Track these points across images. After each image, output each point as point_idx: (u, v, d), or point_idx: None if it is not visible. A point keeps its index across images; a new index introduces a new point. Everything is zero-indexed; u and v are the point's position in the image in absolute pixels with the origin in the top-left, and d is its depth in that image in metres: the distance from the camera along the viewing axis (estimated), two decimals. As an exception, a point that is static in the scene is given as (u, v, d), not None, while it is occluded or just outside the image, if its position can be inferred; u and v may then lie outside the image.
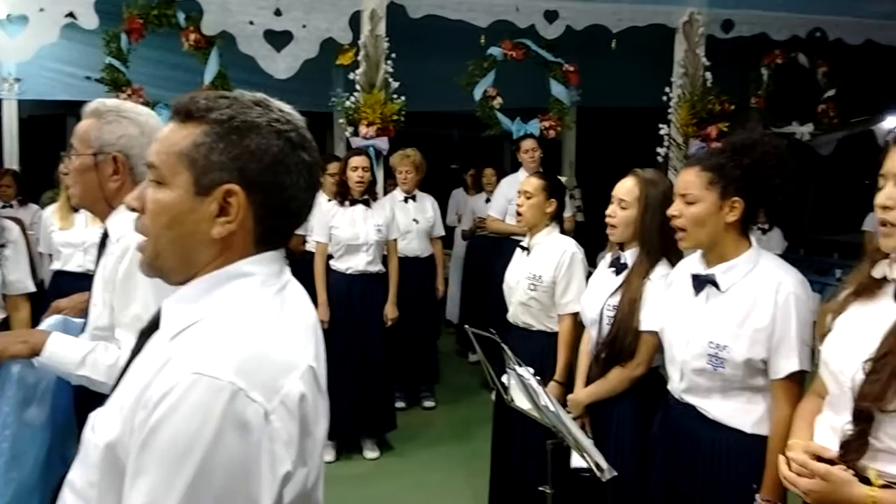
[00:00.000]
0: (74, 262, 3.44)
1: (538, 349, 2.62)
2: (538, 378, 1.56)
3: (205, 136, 0.88)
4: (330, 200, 3.80)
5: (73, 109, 6.42)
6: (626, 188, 2.14)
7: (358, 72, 4.32)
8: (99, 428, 0.85)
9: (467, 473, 3.43)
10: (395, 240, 3.94)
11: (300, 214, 0.94)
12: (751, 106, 5.26)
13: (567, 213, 4.52)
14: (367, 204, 3.75)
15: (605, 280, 2.22)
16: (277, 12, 4.29)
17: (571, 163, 7.14)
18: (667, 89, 4.92)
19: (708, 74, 4.83)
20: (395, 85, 4.35)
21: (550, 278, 2.56)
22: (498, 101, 4.78)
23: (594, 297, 2.23)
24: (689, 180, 1.71)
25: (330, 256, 3.73)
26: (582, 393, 2.24)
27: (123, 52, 4.21)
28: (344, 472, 3.58)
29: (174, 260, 0.90)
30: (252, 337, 0.84)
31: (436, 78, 5.06)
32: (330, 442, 3.70)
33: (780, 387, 1.59)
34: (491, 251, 4.61)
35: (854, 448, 1.23)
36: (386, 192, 4.52)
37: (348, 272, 3.71)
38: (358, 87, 4.31)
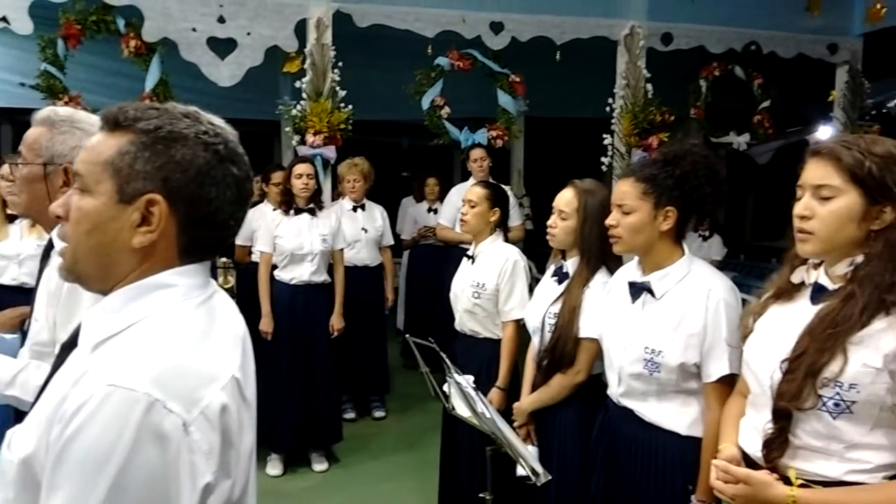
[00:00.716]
0: (8, 275, 3.31)
1: (485, 356, 2.65)
2: (475, 386, 1.57)
3: (130, 144, 0.87)
4: (275, 209, 3.76)
5: (6, 117, 6.21)
6: (566, 199, 2.19)
7: (304, 80, 4.29)
8: (15, 445, 0.83)
9: (417, 483, 3.42)
10: (342, 249, 3.90)
11: (227, 227, 0.94)
12: (690, 117, 5.42)
13: (516, 222, 4.60)
14: (312, 213, 3.71)
15: (548, 289, 2.26)
16: (221, 19, 4.23)
17: (520, 172, 7.23)
18: (610, 100, 5.03)
19: (649, 86, 4.96)
20: (343, 94, 4.33)
21: (493, 286, 2.60)
22: (446, 111, 4.81)
23: (537, 305, 2.28)
24: (624, 190, 1.77)
25: (274, 266, 3.67)
26: (525, 401, 2.27)
27: (60, 58, 4.09)
28: (292, 486, 3.53)
29: (93, 268, 0.90)
30: (171, 348, 0.83)
31: (384, 87, 5.07)
32: (277, 456, 3.64)
33: (712, 389, 1.65)
34: (437, 259, 4.63)
35: (775, 447, 1.28)
36: (334, 201, 4.50)
37: (293, 282, 3.65)
38: (304, 95, 4.28)
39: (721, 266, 6.14)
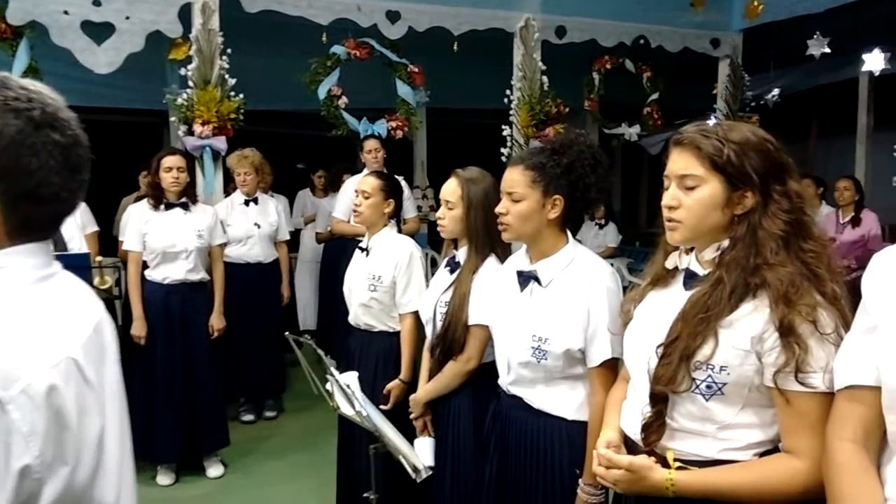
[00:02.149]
0: None
1: (381, 350, 2.61)
2: (348, 384, 1.52)
3: None
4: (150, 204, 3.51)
5: None
6: (450, 189, 2.19)
7: (190, 67, 4.08)
8: None
9: (316, 483, 3.34)
10: (221, 245, 3.69)
11: (57, 200, 0.88)
12: (584, 108, 5.56)
13: (410, 214, 4.57)
14: (185, 207, 3.47)
15: (441, 279, 2.25)
16: (96, 2, 3.95)
17: (423, 163, 7.22)
18: (508, 92, 5.08)
19: (545, 78, 5.05)
20: (232, 82, 4.14)
21: (390, 278, 2.56)
22: (343, 101, 4.71)
23: (430, 296, 2.27)
24: (513, 178, 1.77)
25: (146, 266, 3.44)
26: (421, 392, 2.26)
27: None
28: (185, 494, 3.37)
29: None
30: None
31: (278, 76, 4.91)
32: (166, 465, 3.46)
33: (596, 374, 1.68)
34: (344, 253, 4.53)
35: (653, 430, 1.31)
36: (227, 195, 4.31)
37: (166, 282, 3.42)
38: (191, 83, 4.07)
39: (617, 252, 6.39)
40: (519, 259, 1.86)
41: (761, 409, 1.26)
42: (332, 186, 5.71)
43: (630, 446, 1.38)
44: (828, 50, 5.26)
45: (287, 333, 1.77)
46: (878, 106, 6.33)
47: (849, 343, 1.13)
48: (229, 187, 4.45)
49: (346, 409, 1.53)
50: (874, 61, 5.63)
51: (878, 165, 5.78)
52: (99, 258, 3.17)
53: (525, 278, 1.78)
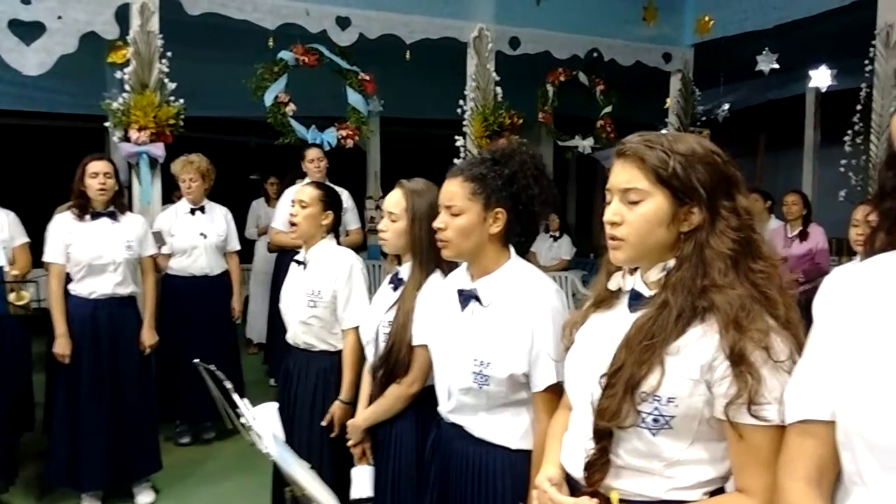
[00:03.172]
0: None
1: (322, 369, 2.49)
2: (253, 420, 1.39)
3: None
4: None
5: None
6: (394, 201, 2.08)
7: (127, 70, 3.89)
8: None
9: (252, 509, 3.16)
10: (151, 256, 3.49)
11: None
12: (538, 120, 5.53)
13: (353, 226, 4.44)
14: (113, 217, 3.25)
15: (384, 297, 2.13)
16: (26, 0, 3.74)
17: (376, 173, 7.10)
18: (461, 102, 5.01)
19: (498, 89, 4.99)
20: (172, 86, 3.96)
21: (330, 293, 2.43)
22: (291, 108, 4.57)
23: (372, 314, 2.14)
24: (452, 191, 1.65)
25: (69, 279, 3.21)
26: (360, 417, 2.13)
27: None
28: (112, 523, 3.16)
29: None
30: None
31: (223, 81, 4.75)
32: (91, 492, 3.23)
33: (541, 399, 1.57)
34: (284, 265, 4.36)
35: (597, 468, 1.20)
36: (168, 203, 4.12)
37: (92, 297, 3.18)
38: (128, 87, 3.87)
39: (571, 265, 6.36)
40: (459, 276, 1.75)
41: (712, 443, 1.16)
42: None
43: (572, 485, 1.28)
44: (776, 66, 5.34)
45: (196, 361, 1.63)
46: (824, 121, 6.48)
47: (800, 373, 1.04)
48: (174, 195, 4.25)
49: (260, 445, 1.40)
50: (821, 77, 5.75)
51: (824, 180, 5.89)
52: (15, 272, 2.95)
53: (465, 297, 1.66)
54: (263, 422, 1.42)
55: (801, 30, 4.95)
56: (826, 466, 0.98)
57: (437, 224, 1.67)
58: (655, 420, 1.14)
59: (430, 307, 1.92)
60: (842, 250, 5.45)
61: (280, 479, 2.50)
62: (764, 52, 5.34)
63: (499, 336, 1.58)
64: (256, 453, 3.71)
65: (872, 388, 0.90)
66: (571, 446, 1.30)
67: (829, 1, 4.60)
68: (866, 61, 4.44)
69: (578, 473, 1.25)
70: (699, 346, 1.14)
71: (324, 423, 2.38)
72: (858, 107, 4.51)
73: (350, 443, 2.15)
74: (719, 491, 1.18)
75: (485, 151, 1.77)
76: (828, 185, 5.33)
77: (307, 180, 4.35)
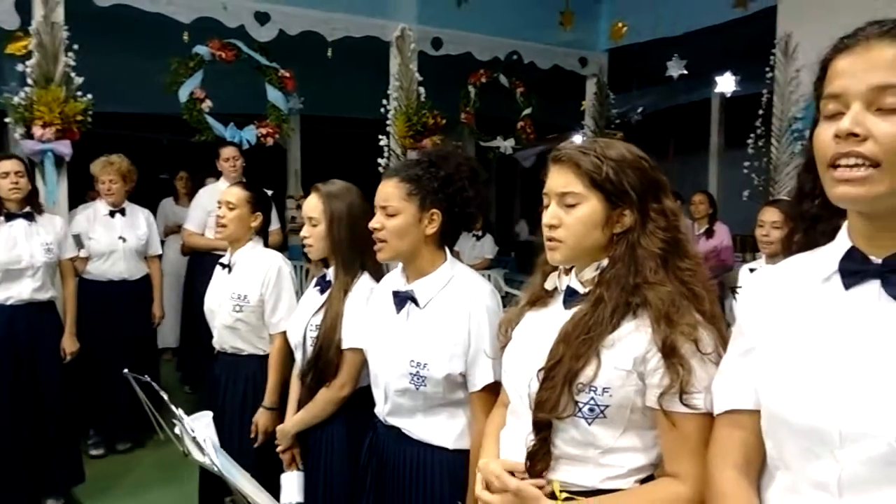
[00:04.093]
0: None
1: (250, 374, 2.43)
2: (193, 430, 1.35)
3: None
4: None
5: None
6: (312, 205, 2.07)
7: (30, 63, 3.64)
8: None
9: (177, 521, 3.05)
10: (71, 259, 3.32)
11: None
12: (461, 121, 5.58)
13: (273, 227, 4.35)
14: (29, 218, 3.08)
15: (311, 300, 2.10)
16: (-88, -15, 3.46)
17: (297, 172, 6.98)
18: (384, 101, 4.99)
19: (421, 89, 5.00)
20: (80, 80, 3.75)
21: (257, 296, 2.38)
22: (207, 105, 4.42)
23: (299, 318, 2.11)
24: (388, 192, 1.65)
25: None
26: (289, 422, 2.09)
27: None
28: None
29: None
30: None
31: (134, 76, 4.53)
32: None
33: (478, 399, 1.59)
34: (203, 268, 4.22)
35: (539, 458, 1.24)
36: (81, 203, 3.90)
37: (9, 303, 3.01)
38: (30, 81, 3.64)
39: (493, 264, 6.45)
40: (394, 278, 1.75)
41: (643, 431, 1.23)
42: (195, 194, 5.35)
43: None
44: (685, 72, 5.61)
45: (126, 371, 1.56)
46: (728, 125, 6.84)
47: (726, 366, 1.11)
48: (87, 195, 4.03)
49: (197, 456, 1.36)
50: (725, 83, 6.08)
51: (729, 181, 6.22)
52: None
53: (401, 299, 1.66)
54: (203, 431, 1.38)
55: (708, 38, 5.22)
56: (752, 454, 1.05)
57: (372, 224, 1.67)
58: (591, 410, 1.19)
59: (361, 310, 1.91)
60: (745, 247, 5.78)
61: (209, 489, 2.43)
62: (674, 59, 5.60)
63: (435, 337, 1.59)
64: (178, 464, 3.61)
65: (791, 376, 0.96)
66: (510, 440, 1.33)
67: (733, 11, 4.86)
68: (767, 68, 4.72)
69: (518, 467, 1.28)
70: (633, 339, 1.19)
71: (257, 441, 2.31)
72: (760, 111, 4.79)
73: (279, 449, 2.11)
74: (650, 478, 1.23)
75: (420, 153, 1.78)
76: (732, 185, 5.63)
77: (222, 180, 4.24)
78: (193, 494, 2.57)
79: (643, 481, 1.23)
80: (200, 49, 4.35)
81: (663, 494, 1.18)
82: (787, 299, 1.03)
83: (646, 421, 1.22)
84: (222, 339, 2.44)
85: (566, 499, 1.21)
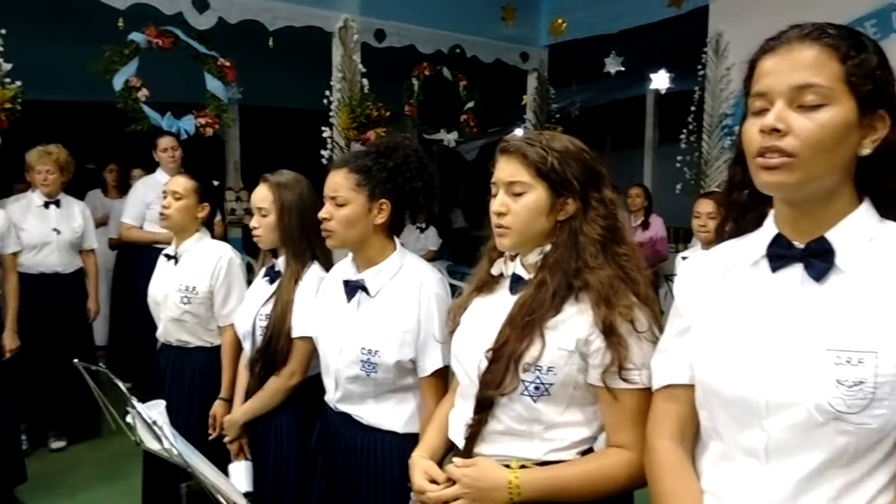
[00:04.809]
0: None
1: (198, 367, 2.40)
2: (154, 420, 1.35)
3: None
4: None
5: None
6: (261, 195, 2.08)
7: (-48, 48, 3.48)
8: None
9: (119, 520, 2.99)
10: (14, 254, 3.21)
11: None
12: (404, 113, 5.60)
13: (216, 219, 4.28)
14: None
15: (259, 290, 2.10)
16: None
17: (236, 163, 6.85)
18: (327, 92, 4.96)
19: (365, 81, 4.99)
20: (8, 67, 3.60)
21: (206, 288, 2.35)
22: (144, 93, 4.29)
23: (248, 308, 2.11)
24: (337, 182, 1.68)
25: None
26: (237, 412, 2.09)
27: None
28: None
29: None
30: None
31: (65, 62, 4.35)
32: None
33: (427, 384, 1.64)
34: (140, 261, 4.12)
35: (473, 435, 1.32)
36: (7, 195, 3.74)
37: None
38: (-46, 66, 3.47)
39: (437, 255, 6.51)
40: (345, 268, 1.78)
41: (584, 406, 1.30)
42: (125, 188, 5.23)
43: (460, 456, 1.37)
44: (622, 68, 5.77)
45: (76, 361, 1.53)
46: (662, 121, 7.08)
47: (664, 345, 1.19)
48: (14, 188, 3.87)
49: (150, 444, 1.35)
50: (660, 80, 6.29)
51: (663, 175, 6.45)
52: None
53: (352, 288, 1.69)
54: (159, 419, 1.37)
55: (644, 36, 5.39)
56: (687, 425, 1.13)
57: (322, 214, 1.70)
58: (537, 388, 1.26)
59: (311, 299, 1.93)
60: (678, 238, 6.02)
61: (154, 484, 2.39)
62: (611, 55, 5.76)
63: (386, 325, 1.63)
64: (118, 459, 3.52)
65: (723, 352, 1.04)
66: (458, 420, 1.39)
67: (668, 10, 5.04)
68: (699, 66, 4.92)
69: (462, 443, 1.34)
70: (575, 322, 1.27)
71: (213, 433, 2.28)
72: (692, 108, 4.98)
73: (227, 439, 2.11)
74: (590, 450, 1.32)
75: (370, 144, 1.81)
76: (666, 179, 5.84)
77: (160, 171, 4.14)
78: (136, 490, 2.52)
79: (584, 453, 1.31)
80: (136, 36, 4.22)
81: (611, 461, 1.26)
82: (719, 282, 1.11)
83: (587, 397, 1.29)
84: (168, 332, 2.41)
85: (520, 466, 1.28)
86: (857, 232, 0.98)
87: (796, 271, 1.01)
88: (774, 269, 1.03)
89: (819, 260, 0.99)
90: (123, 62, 4.22)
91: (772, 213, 1.07)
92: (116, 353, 4.81)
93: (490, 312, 1.36)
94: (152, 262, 2.53)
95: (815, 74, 0.93)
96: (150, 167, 5.00)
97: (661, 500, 1.11)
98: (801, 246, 1.01)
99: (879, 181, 1.00)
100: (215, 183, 2.63)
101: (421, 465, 1.40)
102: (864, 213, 1.00)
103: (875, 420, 0.91)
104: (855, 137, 0.95)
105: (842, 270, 0.97)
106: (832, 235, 0.99)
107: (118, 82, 4.20)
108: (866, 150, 0.96)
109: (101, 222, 5.34)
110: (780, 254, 1.03)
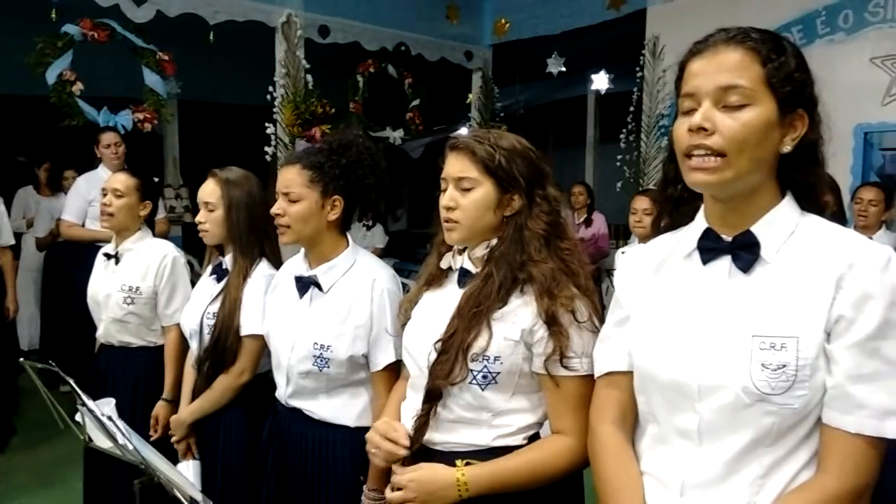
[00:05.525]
0: None
1: (142, 368, 2.36)
2: (109, 416, 1.33)
3: None
4: None
5: None
6: (209, 190, 2.06)
7: None
8: None
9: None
10: None
11: None
12: (350, 111, 5.58)
13: (160, 215, 4.19)
14: None
15: (206, 288, 2.08)
16: None
17: (175, 159, 6.70)
18: (270, 88, 4.90)
19: (309, 77, 4.95)
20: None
21: (151, 288, 2.31)
22: (78, 87, 4.15)
23: (194, 306, 2.09)
24: (290, 178, 1.69)
25: None
26: (185, 412, 2.06)
27: None
28: None
29: None
30: None
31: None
32: None
33: (380, 378, 1.66)
34: (74, 260, 3.99)
35: (422, 425, 1.36)
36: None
37: None
38: None
39: (383, 253, 6.50)
40: (296, 264, 1.78)
41: (530, 394, 1.36)
42: (54, 183, 5.06)
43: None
44: (563, 69, 5.89)
45: (22, 360, 1.49)
46: (602, 121, 7.26)
47: (605, 334, 1.25)
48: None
49: (100, 442, 1.33)
50: (600, 81, 6.44)
51: (604, 173, 6.62)
52: None
53: (304, 284, 1.70)
54: (112, 416, 1.35)
55: (584, 37, 5.51)
56: (627, 410, 1.19)
57: (274, 210, 1.70)
58: (484, 377, 1.31)
59: (260, 296, 1.93)
60: (619, 235, 6.19)
61: (95, 489, 2.33)
62: (553, 56, 5.87)
63: (339, 320, 1.65)
64: (61, 465, 3.41)
65: (659, 339, 1.11)
66: (409, 411, 1.42)
67: (607, 13, 5.18)
68: (637, 68, 5.07)
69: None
70: (521, 313, 1.32)
71: (154, 434, 2.24)
72: (631, 108, 5.14)
73: (174, 439, 2.08)
74: (536, 435, 1.38)
75: (323, 141, 1.82)
76: (606, 177, 6.00)
77: (102, 167, 4.02)
78: (73, 498, 2.45)
79: (531, 438, 1.37)
80: (70, 28, 4.08)
81: (553, 448, 1.32)
82: (656, 274, 1.18)
83: (532, 385, 1.35)
84: (109, 333, 2.35)
85: (466, 463, 1.32)
86: (780, 225, 1.06)
87: (725, 263, 1.08)
88: (705, 261, 1.10)
89: (746, 252, 1.06)
90: (57, 55, 4.07)
91: (702, 208, 1.14)
92: (49, 355, 4.65)
93: (439, 306, 1.41)
94: (86, 260, 2.47)
95: (739, 76, 1.00)
96: (84, 165, 4.84)
97: (603, 482, 1.17)
98: (729, 239, 1.08)
99: (800, 176, 1.07)
100: (156, 179, 2.58)
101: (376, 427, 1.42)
102: (787, 207, 1.07)
103: (797, 400, 0.98)
104: (776, 135, 1.02)
105: (766, 262, 1.05)
106: (757, 229, 1.06)
107: (51, 76, 4.05)
108: (787, 148, 1.03)
109: (32, 222, 5.15)
110: (709, 247, 1.10)
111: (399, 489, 1.33)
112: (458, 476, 1.30)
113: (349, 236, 1.76)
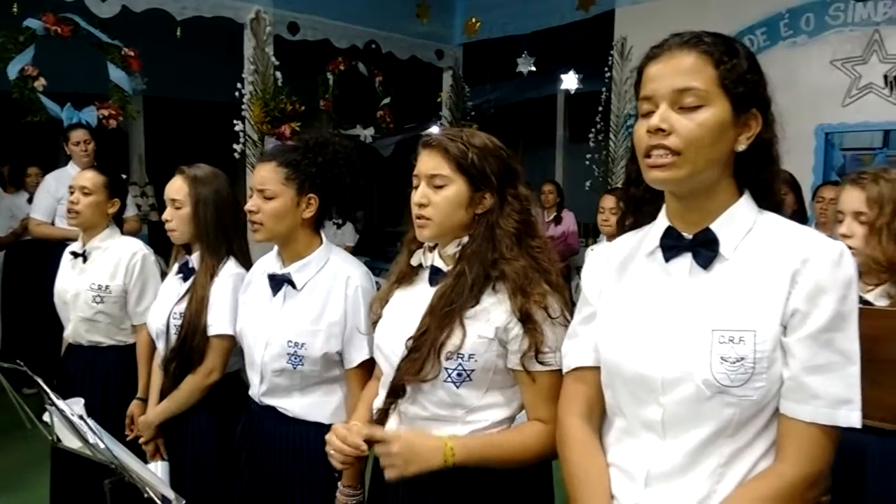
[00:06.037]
0: None
1: (112, 367, 2.32)
2: (81, 416, 1.32)
3: None
4: None
5: None
6: (176, 187, 2.03)
7: None
8: None
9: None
10: None
11: None
12: (320, 108, 5.55)
13: (129, 213, 4.13)
14: None
15: (173, 287, 2.06)
16: None
17: (141, 157, 6.61)
18: (239, 85, 4.86)
19: (278, 74, 4.92)
20: None
21: (120, 287, 2.28)
22: (41, 83, 4.07)
23: (160, 306, 2.06)
24: (265, 175, 1.69)
25: None
26: (152, 413, 2.04)
27: None
28: None
29: None
30: None
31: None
32: None
33: (354, 375, 1.68)
34: (38, 259, 3.91)
35: (381, 418, 1.38)
36: None
37: None
38: None
39: (354, 251, 6.49)
40: (269, 262, 1.78)
41: (504, 389, 1.39)
42: (16, 181, 4.95)
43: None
44: (533, 68, 5.94)
45: (-10, 360, 1.47)
46: (572, 121, 7.33)
47: (573, 330, 1.28)
48: None
49: (69, 443, 1.31)
50: (569, 81, 6.51)
51: (573, 172, 6.69)
52: None
53: (278, 282, 1.70)
54: (83, 415, 1.34)
55: (554, 37, 5.57)
56: (594, 404, 1.22)
57: (248, 207, 1.70)
58: (459, 374, 1.33)
59: (228, 295, 1.92)
60: (588, 233, 6.27)
61: (62, 492, 2.30)
62: (523, 56, 5.92)
63: (313, 318, 1.65)
64: (27, 468, 3.34)
65: (624, 335, 1.14)
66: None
67: (577, 13, 5.24)
68: (605, 68, 5.14)
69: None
70: (494, 311, 1.34)
71: (130, 434, 2.21)
72: (599, 108, 5.20)
73: (142, 440, 2.06)
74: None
75: (298, 139, 1.82)
76: (576, 176, 6.07)
77: (71, 164, 3.95)
78: (40, 501, 2.41)
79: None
80: (32, 22, 4.00)
81: (533, 431, 1.35)
82: (620, 271, 1.21)
83: (506, 380, 1.38)
84: (78, 333, 2.31)
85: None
86: (737, 222, 1.10)
87: (686, 260, 1.12)
88: (667, 258, 1.14)
89: (705, 249, 1.10)
90: (18, 49, 3.99)
91: (664, 206, 1.17)
92: (12, 356, 4.55)
93: (411, 304, 1.42)
94: (51, 259, 2.43)
95: (694, 78, 1.03)
96: (48, 163, 4.74)
97: (570, 474, 1.20)
98: (690, 237, 1.12)
99: (755, 174, 1.12)
100: (124, 177, 2.55)
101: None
102: (744, 204, 1.11)
103: (755, 392, 1.02)
104: (731, 134, 1.06)
105: (725, 258, 1.09)
106: (716, 226, 1.10)
107: (13, 71, 3.97)
108: (742, 146, 1.07)
109: None
110: (671, 245, 1.13)
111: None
112: (447, 440, 1.30)
113: (322, 234, 1.76)
